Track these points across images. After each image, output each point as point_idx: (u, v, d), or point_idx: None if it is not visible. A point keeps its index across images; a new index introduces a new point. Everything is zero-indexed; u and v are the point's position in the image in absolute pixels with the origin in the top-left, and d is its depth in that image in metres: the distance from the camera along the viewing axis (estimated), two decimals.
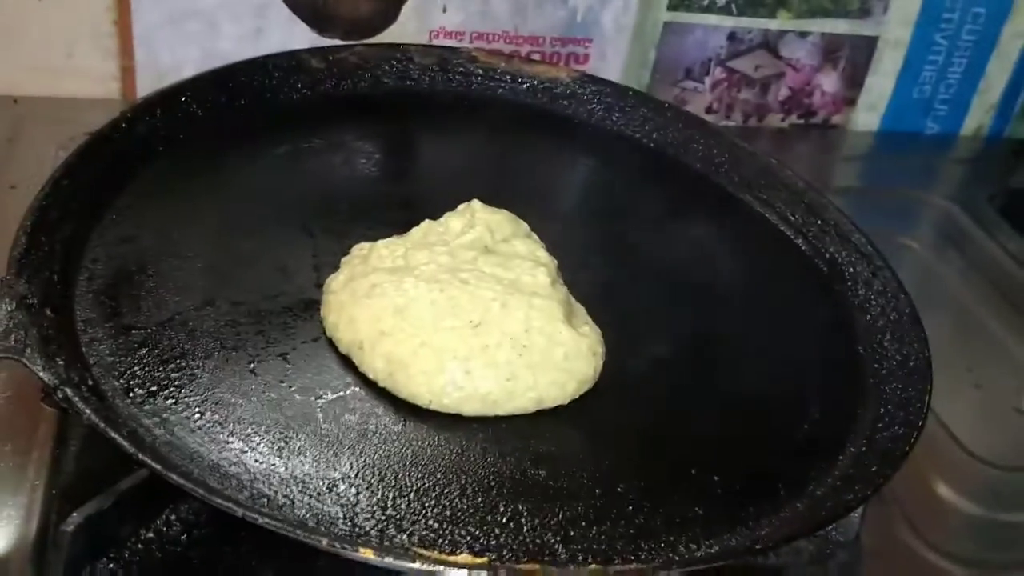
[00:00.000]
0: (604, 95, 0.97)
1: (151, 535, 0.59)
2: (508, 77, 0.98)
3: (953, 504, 0.75)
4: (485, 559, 0.54)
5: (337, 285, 0.71)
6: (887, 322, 0.77)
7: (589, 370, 0.68)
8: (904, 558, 0.70)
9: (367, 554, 0.51)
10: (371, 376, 0.66)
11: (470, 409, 0.65)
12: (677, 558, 0.57)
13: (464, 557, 0.53)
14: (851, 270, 0.82)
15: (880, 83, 1.22)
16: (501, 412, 0.65)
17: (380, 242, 0.74)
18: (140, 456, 0.53)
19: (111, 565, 0.58)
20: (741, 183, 0.92)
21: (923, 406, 0.67)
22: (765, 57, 1.16)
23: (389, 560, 0.51)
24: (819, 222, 0.87)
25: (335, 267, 0.74)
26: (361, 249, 0.74)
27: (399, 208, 0.82)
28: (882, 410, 0.70)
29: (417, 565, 0.51)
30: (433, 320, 0.67)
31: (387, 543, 0.55)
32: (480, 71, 0.98)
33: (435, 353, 0.65)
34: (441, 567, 0.51)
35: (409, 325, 0.66)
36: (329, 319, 0.69)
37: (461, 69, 0.98)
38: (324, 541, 0.51)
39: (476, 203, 0.76)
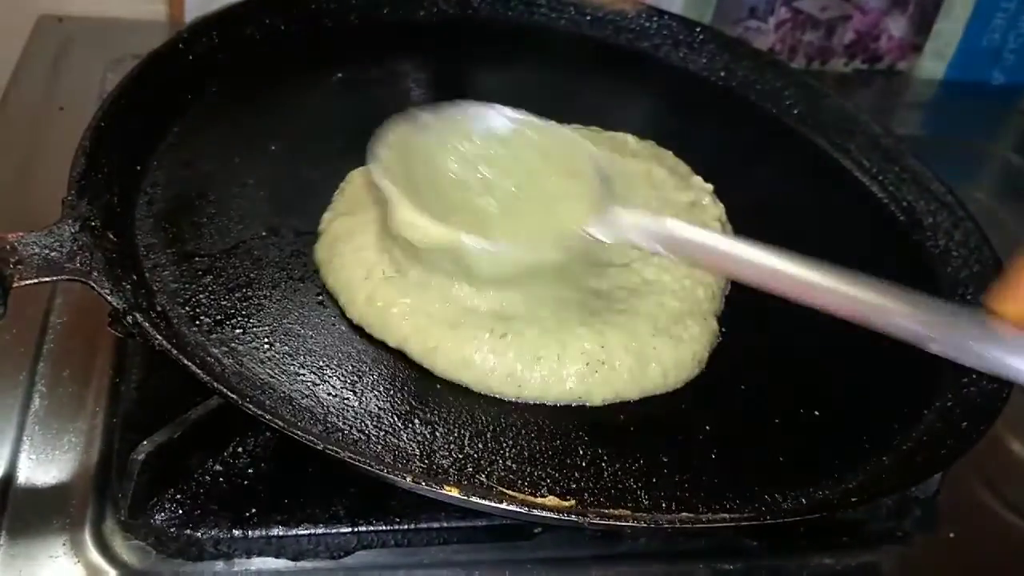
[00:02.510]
0: (671, 29, 0.94)
1: (218, 467, 0.58)
2: (571, 8, 0.94)
3: None
4: (572, 502, 0.52)
5: None
6: (970, 274, 0.74)
7: (684, 372, 0.63)
8: (982, 517, 0.68)
9: (452, 492, 0.49)
10: None
11: (553, 396, 0.61)
12: (764, 508, 0.55)
13: (551, 500, 0.51)
14: (931, 220, 0.79)
15: (949, 29, 1.17)
16: (585, 403, 0.61)
17: None
18: (216, 385, 0.51)
19: (179, 496, 0.56)
20: (814, 126, 0.88)
21: None
22: None
23: (475, 499, 0.49)
24: (896, 169, 0.83)
25: None
26: None
27: None
28: (966, 366, 0.67)
29: (504, 505, 0.49)
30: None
31: (467, 482, 0.53)
32: (543, 1, 0.94)
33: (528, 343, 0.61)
34: (527, 508, 0.49)
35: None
36: None
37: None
38: (408, 478, 0.49)
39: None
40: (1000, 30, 1.18)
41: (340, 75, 0.84)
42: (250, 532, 0.55)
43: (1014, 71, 1.21)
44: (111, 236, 0.60)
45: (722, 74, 0.92)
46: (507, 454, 0.56)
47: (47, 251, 0.55)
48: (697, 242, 0.59)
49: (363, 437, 0.55)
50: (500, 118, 0.66)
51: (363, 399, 0.57)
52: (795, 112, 0.89)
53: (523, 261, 0.61)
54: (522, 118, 0.66)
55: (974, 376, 0.66)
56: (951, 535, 0.66)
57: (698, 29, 0.94)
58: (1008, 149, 1.14)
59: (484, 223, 0.62)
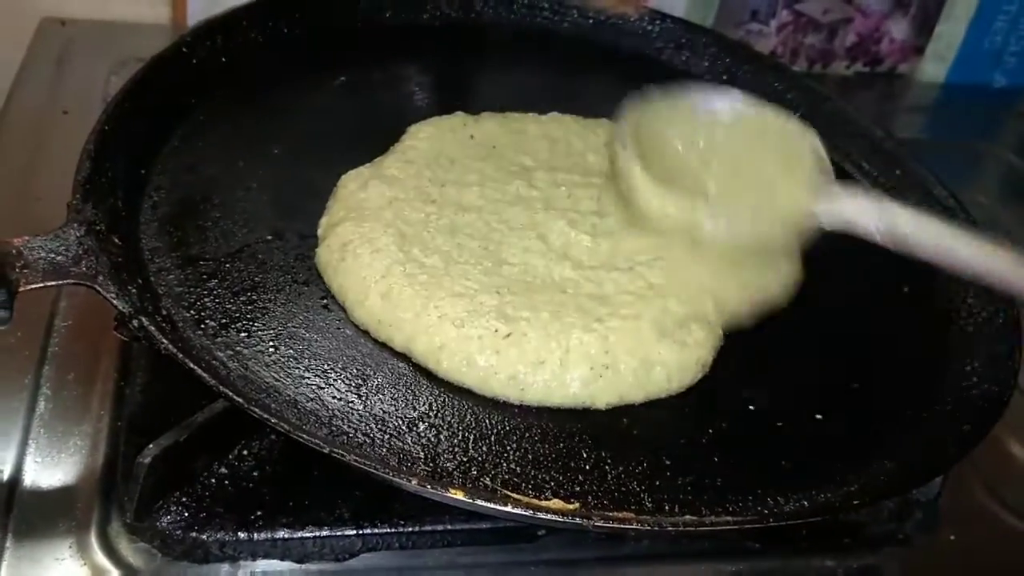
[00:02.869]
0: (673, 32, 0.94)
1: (224, 470, 0.58)
2: (574, 11, 0.94)
3: None
4: (576, 505, 0.52)
5: None
6: None
7: (688, 376, 0.64)
8: (983, 520, 0.68)
9: (457, 495, 0.49)
10: None
11: (556, 400, 0.61)
12: (767, 511, 0.55)
13: (555, 503, 0.52)
14: None
15: (950, 31, 1.17)
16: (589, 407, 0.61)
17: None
18: (222, 389, 0.51)
19: (184, 499, 0.56)
20: (815, 129, 0.88)
21: (1014, 363, 0.65)
22: (834, 0, 1.12)
23: (479, 502, 0.49)
24: (898, 172, 0.84)
25: None
26: None
27: None
28: (968, 368, 0.67)
29: (508, 508, 0.49)
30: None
31: (471, 485, 0.54)
32: (545, 4, 0.94)
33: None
34: (531, 511, 0.49)
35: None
36: None
37: (526, 2, 0.94)
38: (413, 481, 0.50)
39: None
40: (1002, 32, 1.18)
41: (343, 78, 0.85)
42: (255, 535, 0.56)
43: (1016, 73, 1.22)
44: (116, 240, 0.60)
45: (724, 77, 0.93)
46: (511, 457, 0.56)
47: (52, 255, 0.55)
48: (919, 230, 0.59)
49: (368, 440, 0.55)
50: (723, 102, 0.69)
51: (368, 402, 0.58)
52: (797, 115, 0.89)
53: (754, 236, 0.63)
54: (744, 104, 0.69)
55: (975, 379, 0.66)
56: (952, 537, 0.66)
57: (700, 32, 0.94)
58: (1010, 152, 1.14)
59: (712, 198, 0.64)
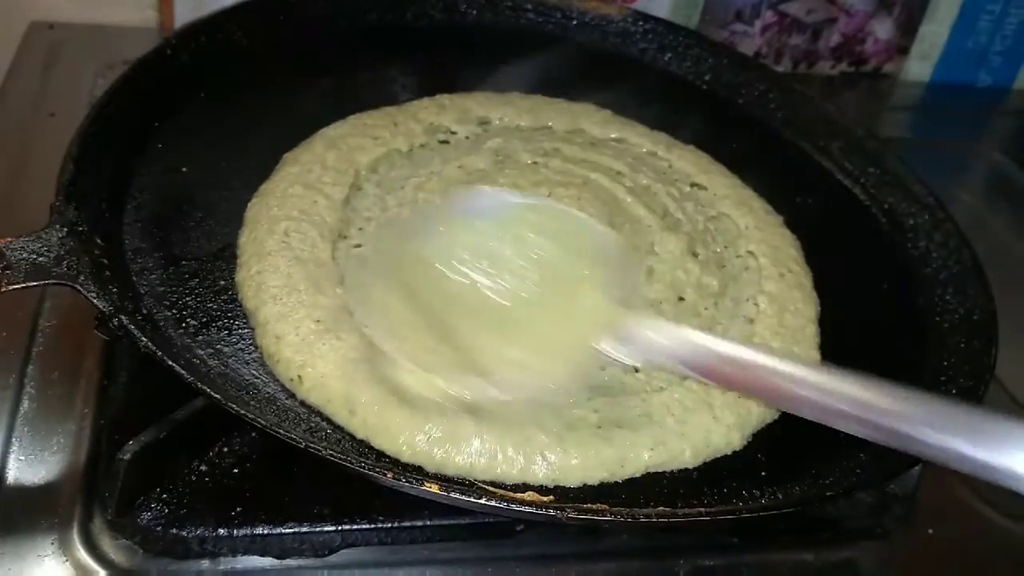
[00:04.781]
0: (657, 34, 0.95)
1: (204, 467, 0.58)
2: (558, 13, 0.95)
3: None
4: (550, 497, 0.53)
5: None
6: (949, 275, 0.75)
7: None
8: (961, 514, 0.69)
9: (432, 488, 0.50)
10: None
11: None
12: (741, 504, 0.56)
13: (530, 495, 0.52)
14: (911, 221, 0.80)
15: (935, 31, 1.18)
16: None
17: None
18: (200, 386, 0.52)
19: (164, 495, 0.57)
20: (797, 129, 0.89)
21: (990, 359, 0.66)
22: (818, 1, 1.13)
23: (455, 496, 0.50)
24: (878, 171, 0.84)
25: None
26: None
27: None
28: (945, 363, 0.68)
29: (483, 501, 0.50)
30: None
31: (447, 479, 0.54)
32: (529, 6, 0.95)
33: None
34: (505, 504, 0.50)
35: None
36: None
37: (510, 3, 0.95)
38: (388, 475, 0.50)
39: None
40: (986, 32, 1.19)
41: (328, 80, 0.85)
42: (235, 531, 0.56)
43: (1000, 73, 1.22)
44: (99, 240, 0.61)
45: (707, 78, 0.93)
46: None
47: (35, 256, 0.56)
48: (727, 357, 0.52)
49: (346, 436, 0.56)
50: (498, 203, 0.62)
51: None
52: (779, 115, 0.90)
53: (535, 393, 0.56)
54: (523, 200, 0.62)
55: (951, 373, 0.67)
56: (930, 531, 0.66)
57: (684, 33, 0.95)
58: (994, 151, 1.15)
59: (502, 326, 0.57)
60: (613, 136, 0.84)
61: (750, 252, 0.74)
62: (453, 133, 0.81)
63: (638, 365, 0.57)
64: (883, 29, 1.17)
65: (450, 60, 0.92)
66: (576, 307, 0.57)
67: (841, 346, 0.69)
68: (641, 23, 0.95)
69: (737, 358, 0.52)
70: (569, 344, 0.56)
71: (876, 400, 0.49)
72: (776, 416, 0.62)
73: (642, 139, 0.84)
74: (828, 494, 0.56)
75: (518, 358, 0.56)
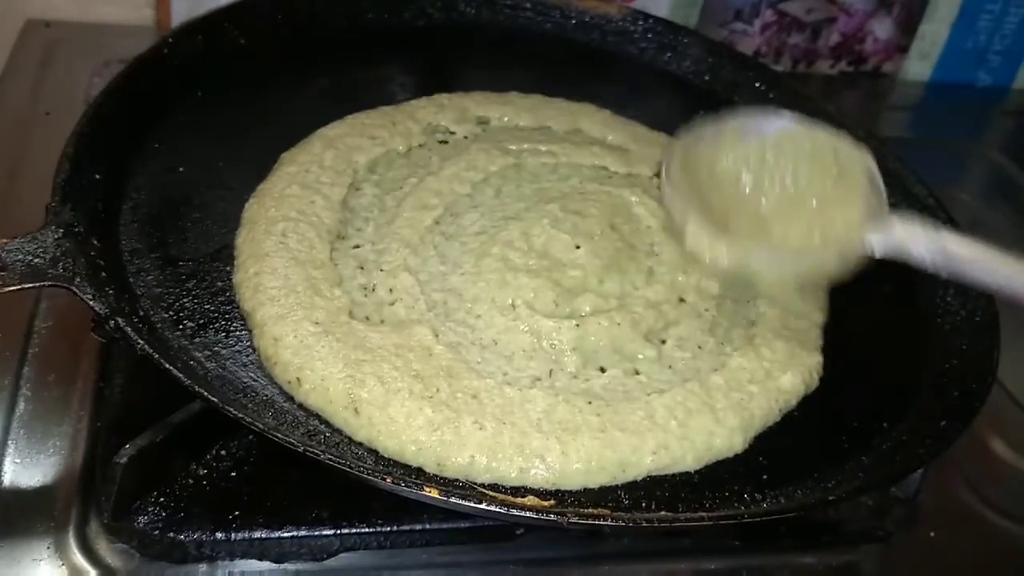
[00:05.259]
0: (656, 33, 0.94)
1: (201, 470, 0.58)
2: (557, 12, 0.94)
3: (1012, 464, 0.73)
4: (551, 502, 0.52)
5: None
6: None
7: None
8: (963, 517, 0.68)
9: (432, 493, 0.49)
10: None
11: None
12: (743, 508, 0.55)
13: (531, 500, 0.52)
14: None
15: (934, 31, 1.17)
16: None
17: None
18: (197, 389, 0.51)
19: (161, 499, 0.56)
20: None
21: (992, 361, 0.65)
22: (817, 0, 1.12)
23: (455, 500, 0.49)
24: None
25: None
26: None
27: None
28: (947, 365, 0.68)
29: (484, 506, 0.49)
30: None
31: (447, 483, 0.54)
32: (528, 5, 0.94)
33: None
34: (506, 508, 0.50)
35: None
36: None
37: (508, 3, 0.94)
38: (388, 479, 0.50)
39: None
40: (985, 31, 1.19)
41: (326, 79, 0.85)
42: (233, 535, 0.56)
43: (999, 72, 1.22)
44: (95, 242, 0.61)
45: (706, 77, 0.93)
46: None
47: (31, 257, 0.55)
48: (971, 258, 0.58)
49: (344, 440, 0.56)
50: (772, 124, 0.69)
51: None
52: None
53: (802, 269, 0.64)
54: (794, 124, 0.69)
55: (954, 376, 0.67)
56: (932, 534, 0.66)
57: (683, 33, 0.94)
58: (994, 150, 1.14)
59: (759, 225, 0.64)
60: (611, 136, 0.83)
61: None
62: (452, 133, 0.80)
63: (888, 257, 0.63)
64: (882, 28, 1.16)
65: (448, 59, 0.92)
66: (838, 206, 0.64)
67: (843, 349, 0.69)
68: (640, 22, 0.94)
69: (982, 259, 0.58)
70: (834, 231, 0.64)
71: None
72: (778, 419, 0.62)
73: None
74: (831, 498, 0.56)
75: (799, 236, 0.64)
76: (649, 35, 0.94)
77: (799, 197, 0.65)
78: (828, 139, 0.68)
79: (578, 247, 0.68)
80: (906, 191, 0.81)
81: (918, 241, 0.60)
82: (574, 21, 0.95)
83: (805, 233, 0.64)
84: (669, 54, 0.94)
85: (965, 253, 0.59)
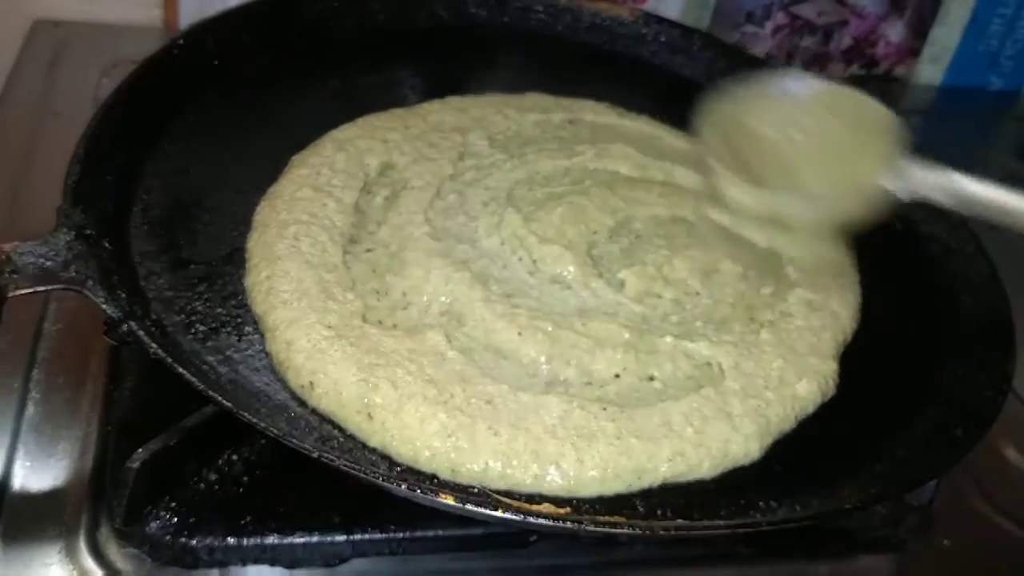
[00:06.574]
0: (668, 36, 0.94)
1: (213, 475, 0.58)
2: (568, 15, 0.94)
3: None
4: (567, 509, 0.52)
5: None
6: (965, 282, 0.74)
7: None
8: (977, 524, 0.68)
9: (447, 499, 0.49)
10: None
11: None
12: (758, 515, 0.55)
13: (547, 507, 0.51)
14: (927, 228, 0.79)
15: (946, 35, 1.17)
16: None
17: None
18: (211, 394, 0.51)
19: (173, 504, 0.56)
20: None
21: (1007, 369, 0.65)
22: (829, 3, 1.12)
23: (470, 507, 0.49)
24: None
25: None
26: None
27: None
28: (962, 372, 0.67)
29: (499, 513, 0.49)
30: None
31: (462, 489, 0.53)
32: (539, 7, 0.94)
33: None
34: (522, 516, 0.49)
35: None
36: None
37: (520, 5, 0.94)
38: (403, 486, 0.49)
39: None
40: (998, 36, 1.18)
41: (336, 81, 0.84)
42: (245, 540, 0.55)
43: (1012, 77, 1.22)
44: (106, 244, 0.60)
45: (718, 81, 0.92)
46: None
47: (42, 260, 0.55)
48: (988, 199, 0.62)
49: (358, 445, 0.55)
50: (798, 83, 0.75)
51: None
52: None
53: (832, 213, 0.68)
54: (818, 82, 0.75)
55: (969, 384, 0.66)
56: (945, 542, 0.66)
57: (695, 35, 0.94)
58: (1006, 155, 1.14)
59: (789, 176, 0.68)
60: None
61: None
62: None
63: (908, 199, 0.66)
64: (894, 32, 1.16)
65: (460, 62, 0.92)
66: (862, 154, 0.68)
67: (856, 354, 0.68)
68: (652, 24, 0.94)
69: (995, 200, 0.62)
70: (857, 176, 0.67)
71: None
72: (793, 426, 0.61)
73: None
74: (847, 506, 0.55)
75: (826, 183, 0.67)
76: (661, 38, 0.94)
77: (826, 148, 0.69)
78: (851, 95, 0.72)
79: None
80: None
81: (935, 183, 0.64)
82: (585, 23, 0.95)
83: (832, 181, 0.68)
84: (680, 57, 0.94)
85: (980, 193, 0.62)
